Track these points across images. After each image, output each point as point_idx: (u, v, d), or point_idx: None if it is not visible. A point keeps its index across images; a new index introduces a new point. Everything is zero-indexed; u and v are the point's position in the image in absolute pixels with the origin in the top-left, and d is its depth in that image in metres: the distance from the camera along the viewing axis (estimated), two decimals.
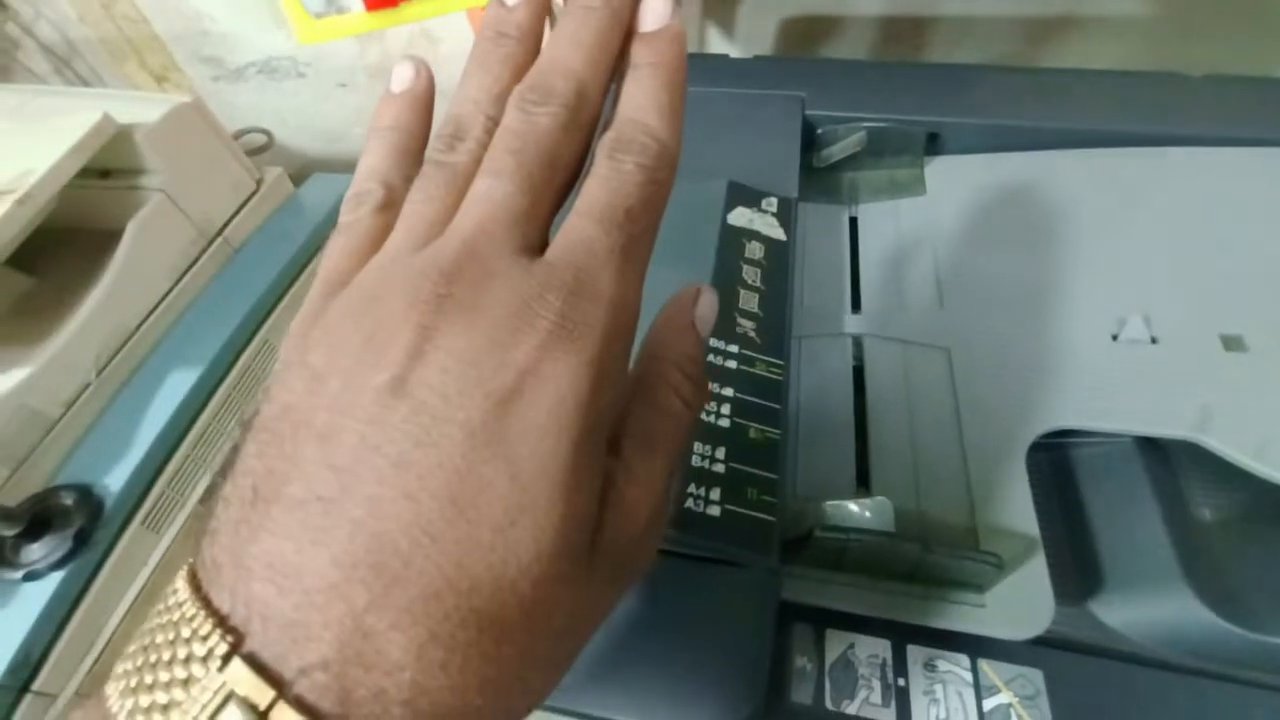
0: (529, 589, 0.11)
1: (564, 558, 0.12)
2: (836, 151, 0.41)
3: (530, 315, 0.12)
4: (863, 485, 0.27)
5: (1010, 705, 0.24)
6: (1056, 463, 0.30)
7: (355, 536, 0.11)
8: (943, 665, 0.25)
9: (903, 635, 0.25)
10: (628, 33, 0.15)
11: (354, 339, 0.12)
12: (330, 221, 0.66)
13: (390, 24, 0.49)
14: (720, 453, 0.24)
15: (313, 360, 0.12)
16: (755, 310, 0.29)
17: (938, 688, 0.24)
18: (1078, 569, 0.27)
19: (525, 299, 0.12)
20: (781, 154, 0.38)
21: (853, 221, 0.39)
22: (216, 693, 0.10)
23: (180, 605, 0.11)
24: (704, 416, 0.25)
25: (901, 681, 0.24)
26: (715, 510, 0.23)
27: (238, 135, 0.77)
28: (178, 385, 0.50)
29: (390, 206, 0.15)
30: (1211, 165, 0.36)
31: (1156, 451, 0.29)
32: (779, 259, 0.32)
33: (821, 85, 0.43)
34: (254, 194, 0.62)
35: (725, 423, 0.25)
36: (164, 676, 0.10)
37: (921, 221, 0.38)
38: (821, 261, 0.37)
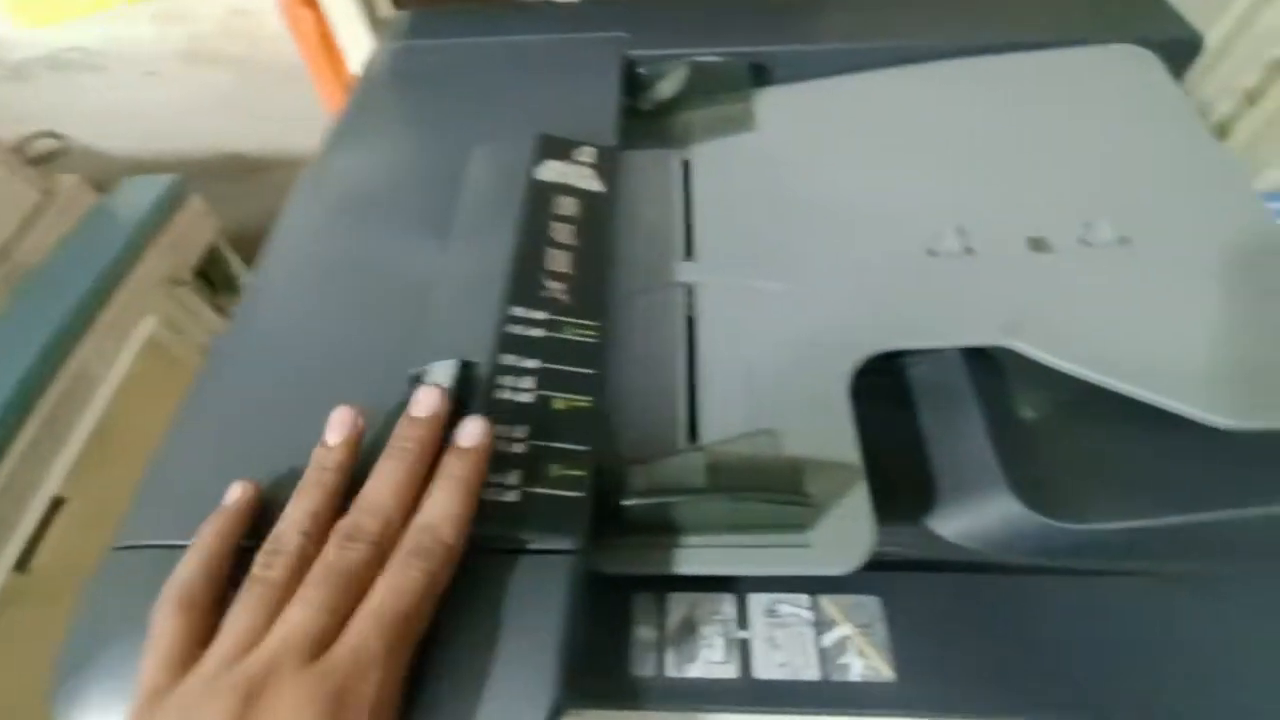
0: None
1: None
2: (661, 90, 0.39)
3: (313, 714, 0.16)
4: (693, 438, 0.26)
5: (848, 637, 0.23)
6: (890, 386, 0.30)
7: None
8: (785, 609, 0.24)
9: (745, 586, 0.25)
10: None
11: None
12: (146, 227, 0.59)
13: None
14: (520, 431, 0.22)
15: None
16: (566, 270, 0.27)
17: (778, 633, 0.24)
18: (911, 488, 0.27)
19: (310, 700, 0.16)
20: (599, 99, 0.36)
21: (685, 165, 0.37)
22: None
23: None
24: (500, 394, 0.23)
25: (744, 634, 0.24)
26: (513, 495, 0.21)
27: (22, 142, 0.67)
28: None
29: (193, 609, 0.19)
30: (1010, 72, 0.37)
31: (983, 361, 0.29)
32: (596, 212, 0.30)
33: (643, 23, 0.41)
34: (42, 207, 0.54)
35: (527, 397, 0.23)
36: None
37: (751, 157, 0.37)
38: (652, 210, 0.35)
